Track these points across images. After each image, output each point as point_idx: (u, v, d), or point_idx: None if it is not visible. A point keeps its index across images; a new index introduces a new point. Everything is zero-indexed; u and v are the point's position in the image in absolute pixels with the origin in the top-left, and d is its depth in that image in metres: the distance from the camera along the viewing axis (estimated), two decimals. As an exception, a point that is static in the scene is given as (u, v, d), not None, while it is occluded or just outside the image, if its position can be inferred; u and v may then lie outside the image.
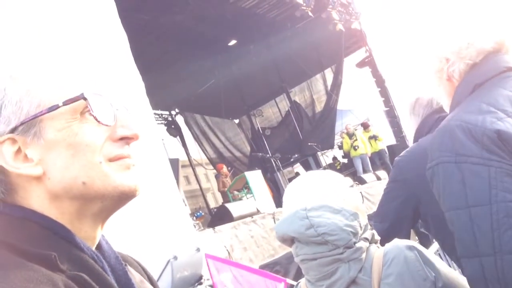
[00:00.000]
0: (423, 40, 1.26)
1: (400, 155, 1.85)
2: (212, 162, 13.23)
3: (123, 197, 0.71)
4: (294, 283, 2.81)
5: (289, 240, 1.34)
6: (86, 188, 0.67)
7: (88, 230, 0.71)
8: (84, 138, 0.68)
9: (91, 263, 0.65)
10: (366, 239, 1.29)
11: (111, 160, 0.70)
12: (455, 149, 1.03)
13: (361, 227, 1.28)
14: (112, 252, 0.75)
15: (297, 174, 13.20)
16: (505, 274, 0.97)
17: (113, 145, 0.71)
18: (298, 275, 4.65)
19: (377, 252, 1.29)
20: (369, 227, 1.33)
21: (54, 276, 0.59)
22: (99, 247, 0.75)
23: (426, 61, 1.25)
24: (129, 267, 0.79)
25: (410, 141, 2.09)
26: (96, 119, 0.69)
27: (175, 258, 3.51)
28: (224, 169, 10.35)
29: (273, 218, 5.90)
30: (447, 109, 1.26)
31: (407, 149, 1.87)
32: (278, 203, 8.59)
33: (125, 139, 0.73)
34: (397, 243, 1.31)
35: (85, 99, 0.68)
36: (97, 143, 0.69)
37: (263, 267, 4.74)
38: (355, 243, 1.25)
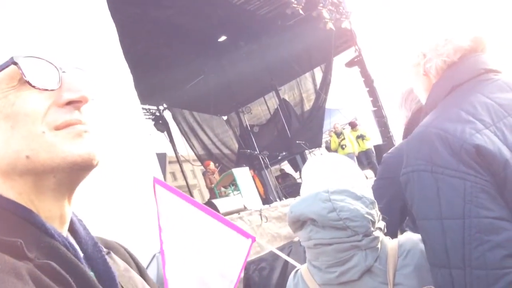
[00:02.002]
0: (404, 34, 1.26)
1: (388, 152, 1.84)
2: (200, 158, 13.17)
3: (76, 168, 0.64)
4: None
5: (301, 223, 1.31)
6: (31, 162, 0.61)
7: (52, 208, 0.65)
8: (23, 107, 0.62)
9: (62, 250, 0.61)
10: (380, 229, 1.29)
11: (57, 128, 0.63)
12: (432, 158, 1.02)
13: (377, 216, 1.28)
14: (90, 239, 0.71)
15: (282, 170, 13.22)
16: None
17: (59, 111, 0.64)
18: (283, 272, 4.65)
19: (391, 243, 1.30)
20: (381, 217, 1.32)
21: (18, 264, 0.54)
22: (75, 233, 0.70)
23: (405, 55, 1.25)
24: (113, 254, 0.76)
25: (397, 138, 2.09)
26: (30, 84, 0.62)
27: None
28: (211, 165, 10.32)
29: (260, 215, 5.90)
30: (424, 102, 1.26)
31: (396, 146, 1.86)
32: (267, 200, 8.60)
33: (73, 104, 0.65)
34: (411, 236, 1.32)
35: (15, 63, 0.62)
36: (38, 111, 0.63)
37: (249, 263, 4.73)
38: (372, 231, 1.24)
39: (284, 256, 2.57)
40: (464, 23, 1.17)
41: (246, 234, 2.41)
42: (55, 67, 0.65)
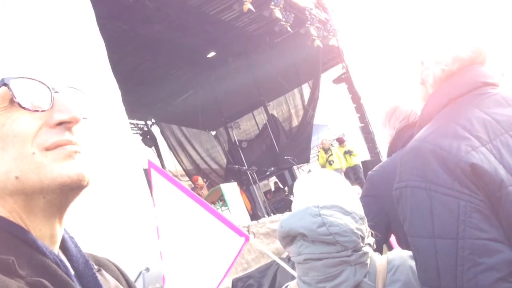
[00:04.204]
0: (401, 42, 1.24)
1: (373, 169, 1.86)
2: (188, 173, 13.11)
3: (65, 189, 0.64)
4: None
5: (291, 238, 1.30)
6: (20, 183, 0.61)
7: (43, 228, 0.65)
8: (12, 128, 0.62)
9: (53, 268, 0.61)
10: (369, 244, 1.29)
11: (47, 149, 0.63)
12: (426, 175, 0.99)
13: (367, 232, 1.29)
14: (81, 257, 0.71)
15: (276, 184, 13.23)
16: None
17: (50, 132, 0.64)
18: (271, 289, 4.62)
19: (380, 259, 1.30)
20: (371, 233, 1.33)
21: (9, 282, 0.54)
22: (66, 250, 0.70)
23: (402, 62, 1.23)
24: (103, 272, 0.76)
25: (384, 154, 2.11)
26: (20, 106, 0.62)
27: (147, 269, 3.44)
28: (200, 181, 10.26)
29: (248, 231, 5.87)
30: (420, 111, 1.23)
31: (380, 163, 1.88)
32: (254, 216, 8.56)
33: (64, 124, 0.65)
34: (400, 252, 1.33)
35: (5, 85, 0.62)
36: (28, 132, 0.62)
37: (236, 280, 4.69)
38: (362, 247, 1.24)
39: (282, 263, 2.52)
40: (466, 33, 1.14)
41: (240, 232, 2.33)
42: (48, 87, 0.65)
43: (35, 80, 0.65)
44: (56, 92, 0.66)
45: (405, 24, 1.25)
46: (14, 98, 0.62)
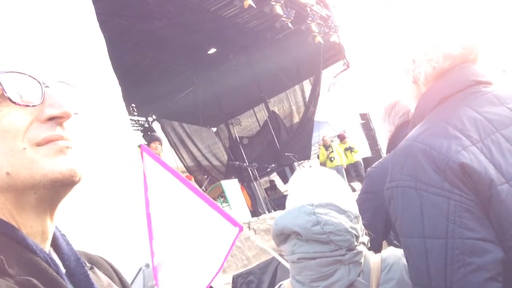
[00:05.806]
0: (393, 41, 1.23)
1: (373, 166, 1.86)
2: (189, 170, 13.12)
3: (57, 185, 0.63)
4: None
5: (285, 236, 1.29)
6: (11, 179, 0.60)
7: (34, 224, 0.64)
8: (2, 123, 0.61)
9: (43, 266, 0.60)
10: (364, 243, 1.28)
11: (38, 144, 0.62)
12: (416, 174, 0.99)
13: (361, 230, 1.28)
14: (73, 254, 0.70)
15: (272, 182, 13.24)
16: None
17: (41, 127, 0.63)
18: (271, 286, 4.63)
19: (374, 257, 1.29)
20: (365, 232, 1.32)
21: None
22: (57, 248, 0.69)
23: (395, 61, 1.22)
24: (96, 270, 0.75)
25: (385, 151, 2.10)
26: (11, 100, 0.61)
27: (147, 266, 3.45)
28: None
29: (248, 227, 5.88)
30: (413, 110, 1.23)
31: (380, 160, 1.87)
32: (255, 212, 8.58)
33: (56, 119, 0.64)
34: (394, 251, 1.31)
35: None
36: (19, 127, 0.62)
37: (236, 276, 4.71)
38: (356, 246, 1.23)
39: (282, 260, 2.50)
40: (457, 30, 1.13)
41: (234, 222, 2.29)
42: (38, 82, 0.64)
43: (25, 74, 0.64)
44: (47, 86, 0.65)
45: (399, 21, 1.24)
46: (4, 93, 0.61)
